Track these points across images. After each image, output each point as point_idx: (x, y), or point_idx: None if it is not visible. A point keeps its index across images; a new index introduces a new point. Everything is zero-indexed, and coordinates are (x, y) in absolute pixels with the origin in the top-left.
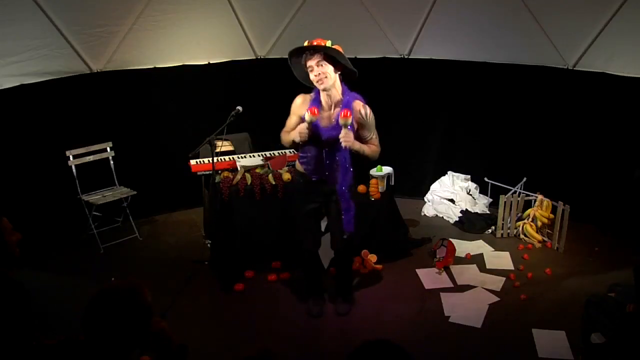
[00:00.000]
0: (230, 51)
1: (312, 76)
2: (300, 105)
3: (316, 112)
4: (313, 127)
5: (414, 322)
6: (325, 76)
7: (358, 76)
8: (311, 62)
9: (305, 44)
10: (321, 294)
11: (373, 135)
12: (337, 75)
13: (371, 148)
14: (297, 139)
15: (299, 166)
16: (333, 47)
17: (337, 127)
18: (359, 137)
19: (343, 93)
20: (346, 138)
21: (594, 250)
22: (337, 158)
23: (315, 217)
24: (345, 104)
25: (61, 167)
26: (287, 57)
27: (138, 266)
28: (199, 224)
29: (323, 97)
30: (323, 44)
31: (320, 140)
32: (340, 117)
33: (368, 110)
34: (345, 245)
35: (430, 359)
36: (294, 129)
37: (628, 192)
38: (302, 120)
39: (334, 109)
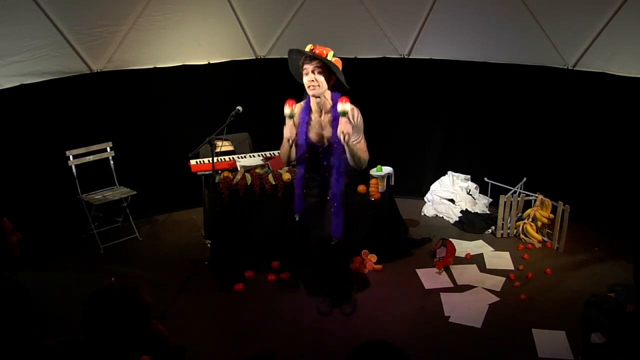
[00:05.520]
0: (230, 51)
1: (305, 79)
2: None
3: (293, 105)
4: (304, 133)
5: (414, 322)
6: (317, 84)
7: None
8: (308, 66)
9: (309, 47)
10: (329, 293)
11: (361, 140)
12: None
13: (362, 150)
14: (288, 139)
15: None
16: (333, 59)
17: (334, 127)
18: None
19: (332, 99)
20: (346, 127)
21: (594, 250)
22: (332, 163)
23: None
24: (335, 109)
25: (61, 167)
26: (287, 57)
27: (138, 266)
28: (199, 224)
29: (313, 103)
30: (325, 53)
31: (314, 147)
32: (339, 105)
33: (356, 112)
34: (337, 247)
35: (430, 359)
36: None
37: None
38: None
39: (324, 116)
